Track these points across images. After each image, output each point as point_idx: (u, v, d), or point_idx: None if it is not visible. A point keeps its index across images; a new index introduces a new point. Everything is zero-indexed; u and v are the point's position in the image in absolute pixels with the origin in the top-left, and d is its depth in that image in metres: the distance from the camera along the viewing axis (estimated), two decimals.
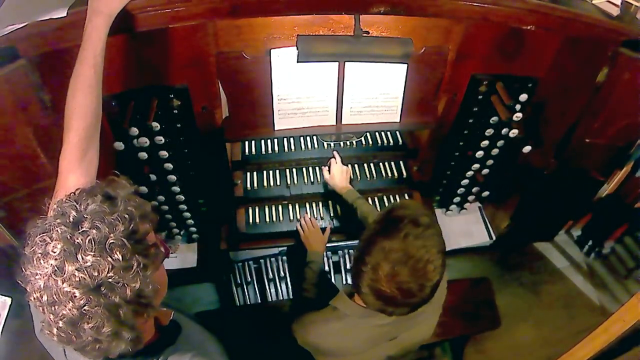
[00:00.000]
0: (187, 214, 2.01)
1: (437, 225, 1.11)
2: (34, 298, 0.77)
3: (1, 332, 1.46)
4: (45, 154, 1.34)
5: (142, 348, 0.98)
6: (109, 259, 0.76)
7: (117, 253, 0.77)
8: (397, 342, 1.37)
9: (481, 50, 1.67)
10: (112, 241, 0.77)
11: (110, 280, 0.76)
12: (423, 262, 1.04)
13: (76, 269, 0.74)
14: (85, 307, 0.75)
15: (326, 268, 2.34)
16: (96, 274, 0.75)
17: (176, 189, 1.85)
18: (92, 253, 0.75)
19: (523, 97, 1.79)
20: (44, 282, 0.75)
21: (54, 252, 0.75)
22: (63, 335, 0.78)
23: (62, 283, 0.74)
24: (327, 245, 2.08)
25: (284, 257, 2.41)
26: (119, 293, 0.78)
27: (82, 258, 0.75)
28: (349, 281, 1.63)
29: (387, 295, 1.06)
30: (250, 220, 2.08)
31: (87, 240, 0.75)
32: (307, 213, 2.10)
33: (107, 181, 0.90)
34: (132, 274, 0.78)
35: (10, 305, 1.47)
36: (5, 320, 1.46)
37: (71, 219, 0.78)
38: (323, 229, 1.99)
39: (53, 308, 0.76)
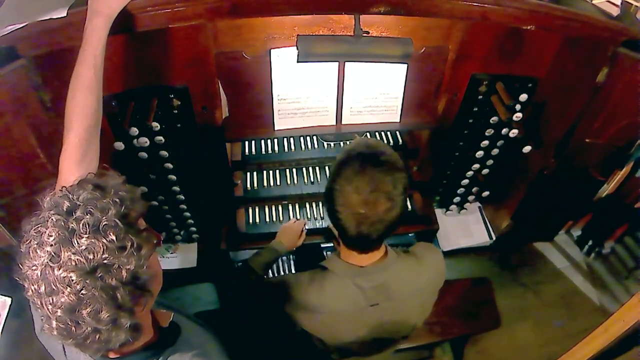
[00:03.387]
0: (187, 214, 2.01)
1: (395, 155, 1.22)
2: (32, 290, 0.78)
3: (1, 332, 1.46)
4: (45, 154, 1.34)
5: (142, 349, 0.98)
6: (103, 240, 0.77)
7: (111, 234, 0.78)
8: (379, 311, 1.36)
9: (481, 50, 1.67)
10: (105, 223, 0.78)
11: (105, 261, 0.77)
12: (382, 176, 1.14)
13: (72, 254, 0.75)
14: (82, 292, 0.76)
15: None
16: (91, 256, 0.76)
17: (176, 189, 1.85)
18: (87, 236, 0.76)
19: (523, 97, 1.79)
20: (40, 271, 0.76)
21: (50, 239, 0.76)
22: (62, 327, 0.78)
23: (59, 270, 0.75)
24: (325, 245, 2.08)
25: (284, 257, 2.41)
26: (114, 275, 0.79)
27: (77, 242, 0.76)
28: None
29: (359, 213, 1.14)
30: (250, 220, 2.08)
31: (81, 225, 0.77)
32: (307, 213, 2.11)
33: (97, 174, 0.92)
34: (126, 254, 0.80)
35: (10, 305, 1.47)
36: (5, 320, 1.47)
37: (64, 208, 0.79)
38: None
39: (51, 298, 0.77)
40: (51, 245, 0.76)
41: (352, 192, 1.13)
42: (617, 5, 1.57)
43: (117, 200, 0.82)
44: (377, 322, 1.39)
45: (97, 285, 0.77)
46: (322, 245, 2.22)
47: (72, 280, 0.75)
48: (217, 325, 1.38)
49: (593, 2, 1.59)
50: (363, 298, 1.32)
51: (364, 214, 1.14)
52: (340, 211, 1.17)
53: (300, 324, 1.40)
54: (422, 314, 1.50)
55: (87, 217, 0.78)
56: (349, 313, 1.35)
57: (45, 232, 0.77)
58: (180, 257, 2.19)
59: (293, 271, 2.38)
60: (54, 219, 0.77)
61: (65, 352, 1.05)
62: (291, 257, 2.42)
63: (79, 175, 1.05)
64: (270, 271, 2.35)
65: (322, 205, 2.15)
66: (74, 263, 0.75)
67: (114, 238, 0.78)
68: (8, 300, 1.47)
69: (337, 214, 1.18)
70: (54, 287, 0.76)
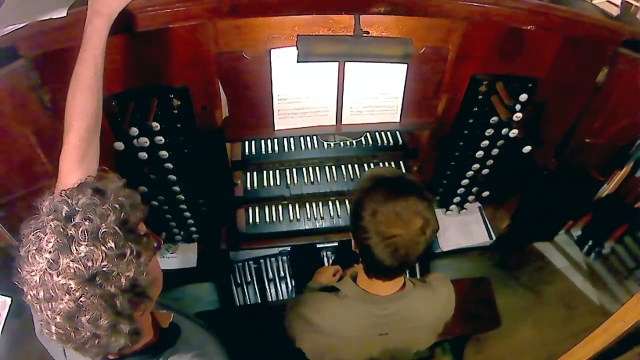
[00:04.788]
0: (187, 214, 2.01)
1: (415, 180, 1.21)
2: (31, 296, 0.78)
3: (1, 332, 1.46)
4: (45, 154, 1.34)
5: (141, 350, 0.98)
6: (102, 247, 0.77)
7: (110, 241, 0.78)
8: (387, 340, 1.36)
9: (481, 50, 1.67)
10: (104, 230, 0.78)
11: (104, 269, 0.77)
12: (411, 196, 1.12)
13: (71, 261, 0.75)
14: (81, 299, 0.76)
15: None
16: (90, 264, 0.76)
17: (176, 189, 1.85)
18: (85, 243, 0.76)
19: (523, 97, 1.78)
20: (39, 277, 0.76)
21: (48, 246, 0.76)
22: (61, 332, 0.78)
23: (58, 276, 0.75)
24: (327, 245, 2.08)
25: (284, 257, 2.42)
26: (114, 282, 0.78)
27: (76, 249, 0.75)
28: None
29: (394, 235, 1.10)
30: (250, 220, 2.08)
31: (79, 232, 0.76)
32: (307, 213, 2.11)
33: (96, 177, 0.91)
34: (125, 261, 0.79)
35: (10, 305, 1.47)
36: (5, 320, 1.47)
37: (63, 214, 0.78)
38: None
39: (50, 304, 0.76)
40: (50, 252, 0.75)
41: (384, 215, 1.10)
42: (617, 5, 1.57)
43: (117, 205, 0.82)
44: (383, 349, 1.39)
45: (96, 292, 0.76)
46: (319, 246, 2.22)
47: (71, 288, 0.75)
48: (217, 325, 1.38)
49: (593, 2, 1.59)
50: (374, 326, 1.32)
51: (400, 237, 1.10)
52: (372, 238, 1.12)
53: (302, 344, 1.39)
54: (427, 343, 1.51)
55: (86, 223, 0.77)
56: (356, 340, 1.34)
57: (44, 237, 0.77)
58: (180, 257, 2.19)
59: (288, 272, 2.39)
60: (53, 225, 0.77)
61: (65, 353, 1.05)
62: (287, 257, 2.42)
63: (79, 175, 1.05)
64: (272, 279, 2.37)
65: (322, 205, 2.15)
66: (72, 270, 0.75)
67: (113, 245, 0.78)
68: (8, 300, 1.47)
69: (370, 244, 1.13)
70: (53, 294, 0.75)
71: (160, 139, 1.63)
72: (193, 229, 2.13)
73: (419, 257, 1.15)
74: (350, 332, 1.32)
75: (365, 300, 1.28)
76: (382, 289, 1.28)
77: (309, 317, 1.33)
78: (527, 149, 1.96)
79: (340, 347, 1.36)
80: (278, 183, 2.07)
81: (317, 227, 2.12)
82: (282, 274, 2.39)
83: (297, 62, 1.52)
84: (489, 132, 1.93)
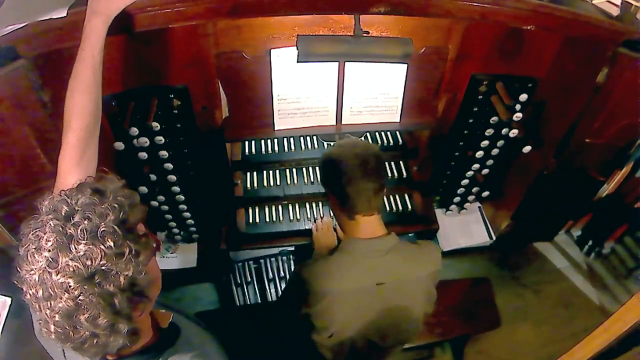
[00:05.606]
0: (187, 214, 2.01)
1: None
2: (30, 294, 0.78)
3: (1, 332, 1.46)
4: (45, 154, 1.34)
5: (141, 350, 0.98)
6: (101, 246, 0.77)
7: (109, 240, 0.78)
8: (385, 293, 1.40)
9: (481, 50, 1.67)
10: (103, 229, 0.78)
11: (103, 268, 0.77)
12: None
13: (70, 259, 0.75)
14: (80, 297, 0.76)
15: None
16: (89, 262, 0.76)
17: (176, 189, 1.85)
18: (85, 242, 0.76)
19: (523, 97, 1.79)
20: (38, 275, 0.76)
21: (47, 244, 0.76)
22: (60, 331, 0.78)
23: (57, 275, 0.75)
24: None
25: (284, 257, 2.41)
26: (112, 281, 0.78)
27: (75, 248, 0.76)
28: None
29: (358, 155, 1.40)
30: (250, 220, 2.08)
31: (79, 231, 0.76)
32: (307, 213, 2.11)
33: (96, 178, 0.91)
34: (124, 260, 0.79)
35: (10, 305, 1.47)
36: (5, 320, 1.46)
37: (63, 213, 0.79)
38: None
39: (49, 303, 0.76)
40: (49, 250, 0.76)
41: (346, 144, 1.45)
42: (617, 5, 1.57)
43: (116, 205, 0.82)
44: (382, 308, 1.42)
45: (95, 291, 0.77)
46: None
47: (70, 286, 0.75)
48: (217, 325, 1.39)
49: (593, 2, 1.59)
50: (370, 273, 1.37)
51: (361, 148, 1.40)
52: (342, 162, 1.37)
53: (312, 312, 1.44)
54: (426, 305, 1.52)
55: (85, 222, 0.77)
56: (355, 293, 1.39)
57: (43, 236, 0.77)
58: (180, 257, 2.19)
59: (288, 272, 2.39)
60: (52, 224, 0.77)
61: (64, 353, 1.05)
62: (291, 257, 2.42)
63: (77, 175, 1.05)
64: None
65: (322, 205, 2.15)
66: (71, 269, 0.75)
67: (112, 244, 0.78)
68: (8, 300, 1.47)
69: (339, 159, 1.39)
70: (52, 292, 0.76)
71: (160, 139, 1.63)
72: (193, 229, 2.13)
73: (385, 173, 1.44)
74: (348, 283, 1.38)
75: (356, 247, 1.40)
76: (368, 228, 1.42)
77: (307, 279, 1.39)
78: (527, 149, 1.95)
79: (341, 303, 1.40)
80: (278, 183, 2.07)
81: None
82: (282, 274, 2.38)
83: (297, 62, 1.52)
84: (489, 132, 1.93)
